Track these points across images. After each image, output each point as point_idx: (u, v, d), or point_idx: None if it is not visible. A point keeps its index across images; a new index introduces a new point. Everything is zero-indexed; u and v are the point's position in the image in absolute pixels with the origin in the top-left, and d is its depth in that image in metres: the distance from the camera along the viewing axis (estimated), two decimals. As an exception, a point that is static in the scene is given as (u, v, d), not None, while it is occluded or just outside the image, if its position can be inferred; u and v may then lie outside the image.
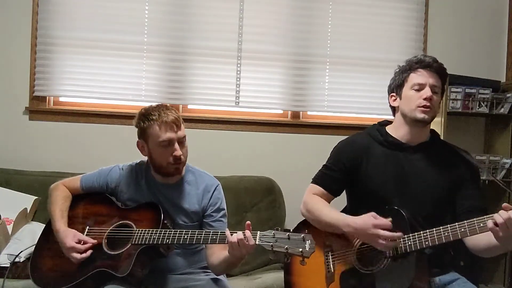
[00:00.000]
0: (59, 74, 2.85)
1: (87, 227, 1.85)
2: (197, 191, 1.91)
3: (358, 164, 1.81)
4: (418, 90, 1.74)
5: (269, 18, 3.00)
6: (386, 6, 3.08)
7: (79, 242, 1.77)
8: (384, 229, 1.57)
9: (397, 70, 1.84)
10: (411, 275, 1.57)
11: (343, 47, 3.05)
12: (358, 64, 3.06)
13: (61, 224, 1.82)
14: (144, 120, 1.82)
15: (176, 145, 1.80)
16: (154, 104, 1.89)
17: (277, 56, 3.00)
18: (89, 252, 1.75)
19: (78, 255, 1.74)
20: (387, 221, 1.58)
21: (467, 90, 2.89)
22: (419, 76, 1.76)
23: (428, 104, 1.72)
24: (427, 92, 1.72)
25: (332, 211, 1.76)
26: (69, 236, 1.77)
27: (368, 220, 1.60)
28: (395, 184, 1.76)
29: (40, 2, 2.82)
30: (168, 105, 1.88)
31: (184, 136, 1.84)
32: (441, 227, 1.55)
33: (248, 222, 1.63)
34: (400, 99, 1.80)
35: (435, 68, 1.76)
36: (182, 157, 1.82)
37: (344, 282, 1.71)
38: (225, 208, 1.94)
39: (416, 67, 1.77)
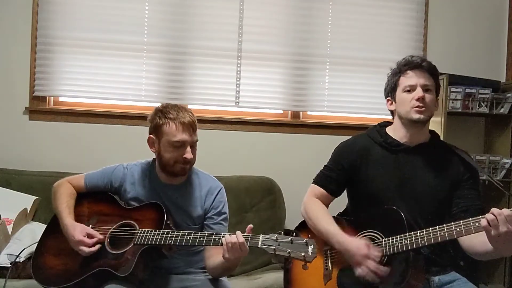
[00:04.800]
0: (59, 74, 2.85)
1: (90, 226, 1.84)
2: (201, 193, 1.91)
3: (358, 165, 1.82)
4: (410, 92, 1.75)
5: (269, 18, 3.00)
6: (386, 6, 3.08)
7: (87, 236, 1.77)
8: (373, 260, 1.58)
9: (389, 73, 1.86)
10: (407, 274, 1.57)
11: (343, 47, 3.05)
12: (358, 64, 3.06)
13: (69, 218, 1.82)
14: (161, 116, 1.81)
15: (188, 148, 1.80)
16: (172, 103, 1.88)
17: (277, 56, 3.00)
18: (97, 247, 1.75)
19: (86, 249, 1.74)
20: (378, 254, 1.59)
21: (467, 90, 2.88)
22: (409, 78, 1.77)
23: (421, 104, 1.73)
24: (418, 92, 1.73)
25: (329, 222, 1.76)
26: (77, 230, 1.77)
27: (361, 248, 1.60)
28: (395, 185, 1.76)
29: (40, 2, 2.81)
30: (186, 106, 1.88)
31: (196, 142, 1.84)
32: (437, 227, 1.55)
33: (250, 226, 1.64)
34: (395, 102, 1.82)
35: (424, 67, 1.77)
36: (191, 159, 1.82)
37: (341, 280, 1.71)
38: (227, 212, 1.94)
39: (404, 70, 1.78)
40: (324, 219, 1.77)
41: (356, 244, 1.64)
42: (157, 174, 1.91)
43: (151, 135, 1.86)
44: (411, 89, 1.75)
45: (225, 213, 1.92)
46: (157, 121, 1.82)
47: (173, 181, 1.90)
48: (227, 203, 1.95)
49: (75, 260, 1.78)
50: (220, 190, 1.94)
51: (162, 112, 1.82)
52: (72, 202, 1.89)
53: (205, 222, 1.89)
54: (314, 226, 1.78)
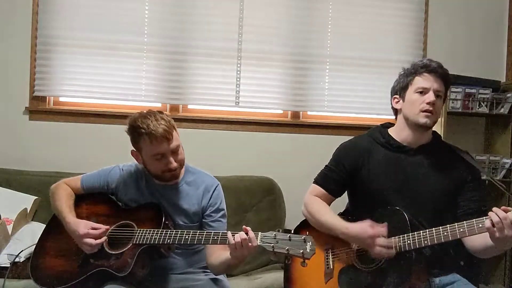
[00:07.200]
0: (59, 74, 2.85)
1: None
2: (197, 191, 1.91)
3: (360, 166, 1.82)
4: (422, 94, 1.75)
5: (269, 18, 3.00)
6: (386, 6, 3.07)
7: (92, 229, 1.76)
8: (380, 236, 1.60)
9: (402, 72, 1.84)
10: (409, 274, 1.58)
11: (343, 47, 3.05)
12: (358, 64, 3.05)
13: (70, 216, 1.82)
14: (134, 132, 1.79)
15: (170, 158, 1.78)
16: (144, 111, 1.83)
17: (277, 56, 3.00)
18: (103, 238, 1.75)
19: (92, 241, 1.73)
20: (382, 229, 1.60)
21: (467, 90, 2.88)
22: (424, 80, 1.76)
23: (431, 108, 1.72)
24: (430, 96, 1.73)
25: (331, 215, 1.77)
26: (81, 225, 1.77)
27: (365, 229, 1.63)
28: (397, 187, 1.76)
29: (40, 2, 2.81)
30: (157, 111, 1.82)
31: (178, 145, 1.80)
32: (440, 227, 1.56)
33: (244, 226, 1.62)
34: (404, 101, 1.81)
35: (440, 73, 1.76)
36: (177, 166, 1.81)
37: (342, 279, 1.72)
38: (225, 208, 1.94)
39: (421, 71, 1.77)
40: (325, 213, 1.78)
41: (359, 228, 1.65)
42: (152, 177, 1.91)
43: (133, 149, 1.85)
44: (424, 91, 1.74)
45: (223, 209, 1.92)
46: (132, 136, 1.80)
47: (168, 182, 1.89)
48: (224, 199, 1.95)
49: (73, 261, 1.78)
50: (217, 186, 1.94)
51: (134, 126, 1.78)
52: (72, 202, 1.89)
53: (203, 220, 1.89)
54: (316, 221, 1.79)
